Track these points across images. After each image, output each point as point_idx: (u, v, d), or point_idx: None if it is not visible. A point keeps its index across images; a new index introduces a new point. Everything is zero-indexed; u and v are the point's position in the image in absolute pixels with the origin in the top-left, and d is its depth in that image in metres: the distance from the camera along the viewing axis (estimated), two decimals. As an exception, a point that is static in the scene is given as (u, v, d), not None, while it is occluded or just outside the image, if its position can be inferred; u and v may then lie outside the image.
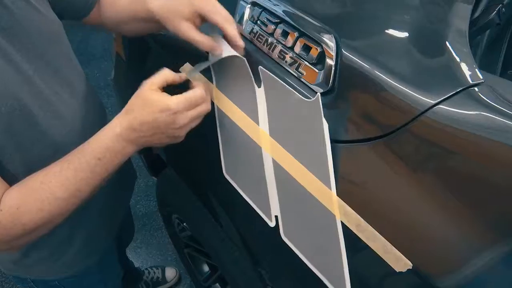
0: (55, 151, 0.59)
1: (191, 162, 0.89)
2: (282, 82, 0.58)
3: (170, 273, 1.57)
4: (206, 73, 0.68)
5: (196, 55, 0.75)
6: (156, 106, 0.53)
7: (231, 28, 0.58)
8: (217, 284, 1.31)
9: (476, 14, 0.63)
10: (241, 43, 0.60)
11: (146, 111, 0.53)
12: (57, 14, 0.66)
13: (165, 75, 0.56)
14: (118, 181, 0.60)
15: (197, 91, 0.56)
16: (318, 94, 0.53)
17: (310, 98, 0.57)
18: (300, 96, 0.56)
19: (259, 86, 0.60)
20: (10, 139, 0.54)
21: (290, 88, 0.57)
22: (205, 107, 0.57)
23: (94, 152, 0.54)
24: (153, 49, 0.90)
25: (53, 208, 0.53)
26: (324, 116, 0.54)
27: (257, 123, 0.62)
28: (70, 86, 0.64)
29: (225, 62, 0.63)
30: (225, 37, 0.60)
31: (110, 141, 0.54)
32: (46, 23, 0.59)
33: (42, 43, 0.58)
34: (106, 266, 0.92)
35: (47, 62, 0.59)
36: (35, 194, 0.52)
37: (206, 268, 1.33)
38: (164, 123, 0.53)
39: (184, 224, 1.19)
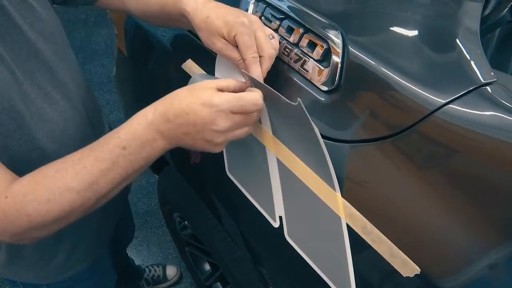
0: (42, 156, 0.56)
1: (193, 160, 0.88)
2: (265, 84, 0.52)
3: (171, 271, 1.57)
4: (210, 69, 0.67)
5: (199, 52, 0.73)
6: (198, 98, 0.47)
7: (256, 71, 0.53)
8: (218, 283, 1.30)
9: (487, 11, 0.61)
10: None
11: (186, 102, 0.47)
12: (65, 2, 0.65)
13: (231, 82, 0.51)
14: None
15: (251, 95, 0.49)
16: (299, 99, 0.47)
17: (317, 97, 0.56)
18: (286, 99, 0.50)
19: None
20: None
21: (274, 91, 0.51)
22: (255, 116, 0.50)
23: (119, 139, 0.48)
24: (155, 45, 0.89)
25: (64, 200, 0.47)
26: (325, 115, 0.52)
27: (259, 121, 0.61)
28: (64, 87, 0.61)
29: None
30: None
31: (139, 127, 0.48)
32: (42, 22, 0.57)
33: (36, 42, 0.56)
34: (99, 271, 0.89)
35: (40, 62, 0.57)
36: (46, 182, 0.47)
37: (207, 266, 1.32)
38: (202, 119, 0.47)
39: (186, 222, 1.18)
